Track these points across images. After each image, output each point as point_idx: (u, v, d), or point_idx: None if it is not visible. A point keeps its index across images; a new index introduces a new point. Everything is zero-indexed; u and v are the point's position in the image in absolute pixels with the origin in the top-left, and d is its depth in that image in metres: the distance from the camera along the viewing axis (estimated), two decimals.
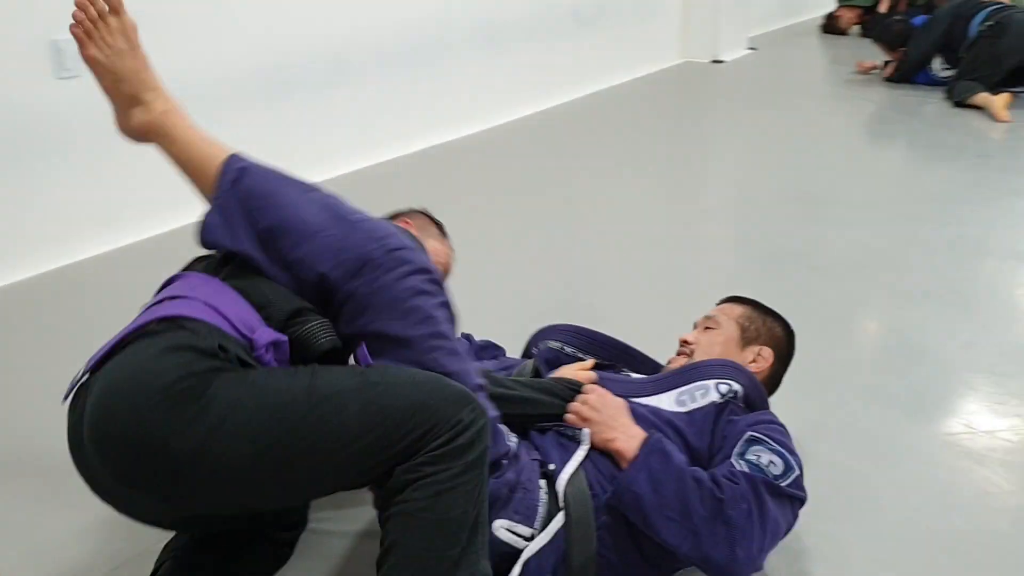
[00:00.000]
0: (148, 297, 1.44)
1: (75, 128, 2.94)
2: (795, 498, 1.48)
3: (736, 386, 1.65)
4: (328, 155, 3.85)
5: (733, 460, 1.50)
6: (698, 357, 1.80)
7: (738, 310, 1.91)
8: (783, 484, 1.46)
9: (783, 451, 1.51)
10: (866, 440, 2.00)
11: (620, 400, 1.63)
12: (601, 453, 1.55)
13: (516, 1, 4.78)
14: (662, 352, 1.92)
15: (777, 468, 1.48)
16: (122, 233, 3.15)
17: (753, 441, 1.52)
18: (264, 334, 1.31)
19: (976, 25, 5.17)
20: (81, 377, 1.30)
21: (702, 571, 1.47)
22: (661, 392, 1.67)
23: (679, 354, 1.86)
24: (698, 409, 1.61)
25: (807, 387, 2.11)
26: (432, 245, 1.77)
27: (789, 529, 1.50)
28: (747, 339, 1.85)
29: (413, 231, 1.65)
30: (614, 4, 5.51)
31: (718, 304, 1.99)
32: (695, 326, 1.93)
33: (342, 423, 1.21)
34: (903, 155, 4.46)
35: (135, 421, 1.17)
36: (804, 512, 1.51)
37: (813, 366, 2.16)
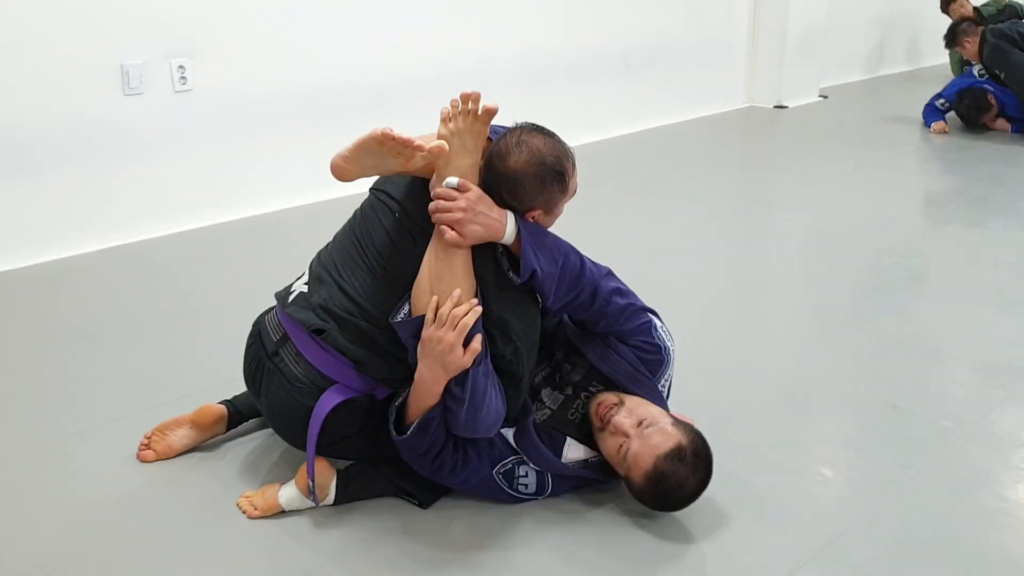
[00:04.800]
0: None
1: (138, 136, 3.64)
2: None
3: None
4: None
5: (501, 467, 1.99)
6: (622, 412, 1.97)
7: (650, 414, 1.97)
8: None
9: (541, 485, 2.01)
10: None
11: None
12: None
13: (556, 45, 5.22)
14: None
15: (530, 488, 2.00)
16: (172, 223, 3.80)
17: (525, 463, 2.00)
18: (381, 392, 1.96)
19: None
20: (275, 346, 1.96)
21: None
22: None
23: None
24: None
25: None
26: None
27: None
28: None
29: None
30: (666, 51, 5.87)
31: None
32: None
33: None
34: (942, 208, 4.58)
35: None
36: None
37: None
